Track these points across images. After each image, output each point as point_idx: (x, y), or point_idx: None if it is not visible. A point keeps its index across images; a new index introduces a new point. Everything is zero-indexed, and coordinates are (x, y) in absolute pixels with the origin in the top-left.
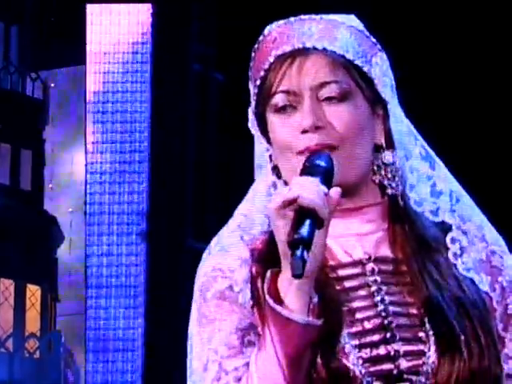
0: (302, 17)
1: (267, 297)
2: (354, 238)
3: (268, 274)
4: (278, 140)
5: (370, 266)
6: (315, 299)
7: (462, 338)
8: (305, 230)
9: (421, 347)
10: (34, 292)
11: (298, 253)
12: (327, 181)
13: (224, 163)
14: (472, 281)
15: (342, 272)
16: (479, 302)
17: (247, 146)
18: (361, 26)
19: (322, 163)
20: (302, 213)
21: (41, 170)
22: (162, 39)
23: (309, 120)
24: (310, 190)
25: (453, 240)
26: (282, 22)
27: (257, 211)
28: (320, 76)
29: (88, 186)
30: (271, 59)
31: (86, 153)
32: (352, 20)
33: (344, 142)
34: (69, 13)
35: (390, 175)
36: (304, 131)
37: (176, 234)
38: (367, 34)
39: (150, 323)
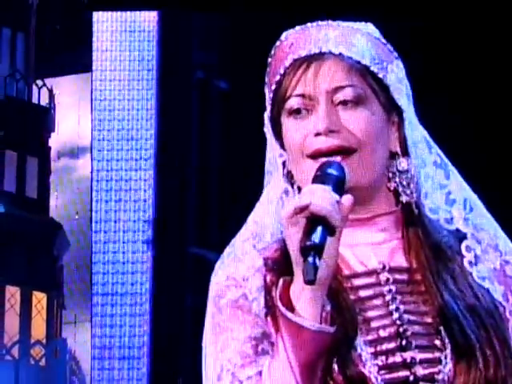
0: (320, 23)
1: (279, 304)
2: (369, 248)
3: (280, 281)
4: (291, 143)
5: (384, 275)
6: (328, 307)
7: (478, 346)
8: (316, 237)
9: (437, 355)
10: (39, 299)
11: (310, 259)
12: (339, 189)
13: (227, 171)
14: (487, 290)
15: (356, 281)
16: (494, 311)
17: (250, 154)
18: (377, 34)
19: (334, 172)
20: (314, 220)
21: (47, 177)
22: (166, 46)
23: (323, 123)
24: (321, 198)
25: (468, 248)
26: (298, 27)
27: (269, 219)
28: (336, 80)
29: (94, 194)
30: (287, 63)
31: (92, 160)
32: (369, 27)
33: (359, 146)
34: (75, 20)
35: (404, 182)
36: (317, 134)
37: (180, 241)
38: (384, 41)
39: (156, 331)
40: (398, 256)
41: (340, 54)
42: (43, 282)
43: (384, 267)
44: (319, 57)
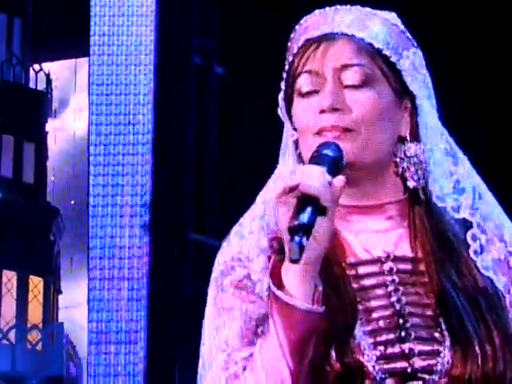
0: (338, 7)
1: (270, 282)
2: (375, 235)
3: (272, 259)
4: (299, 121)
5: (388, 265)
6: (320, 287)
7: (477, 340)
8: (305, 217)
9: (436, 347)
10: (36, 284)
11: (297, 238)
12: (334, 170)
13: (225, 155)
14: (491, 281)
15: (360, 269)
16: (497, 304)
17: (249, 139)
18: (396, 21)
19: (330, 153)
20: (304, 200)
21: (44, 162)
22: (164, 31)
23: (327, 101)
24: (312, 178)
25: (474, 237)
26: (317, 11)
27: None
28: (344, 58)
29: (91, 178)
30: (300, 44)
31: (88, 145)
32: (388, 14)
33: (360, 126)
34: (72, 4)
35: (412, 168)
36: (322, 111)
37: (178, 226)
38: (402, 28)
39: (153, 316)
40: (403, 245)
41: (352, 35)
42: (40, 266)
43: (388, 256)
44: (331, 36)
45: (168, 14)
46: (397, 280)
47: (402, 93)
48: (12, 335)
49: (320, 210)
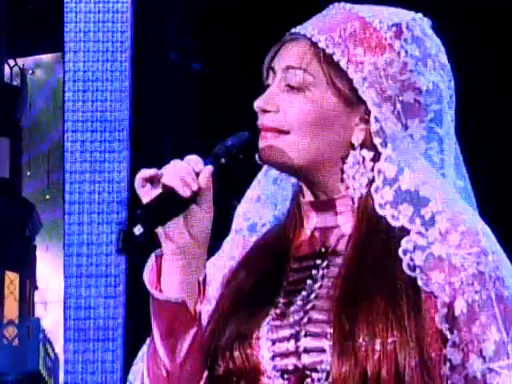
0: (335, 4)
1: (145, 270)
2: (323, 231)
3: (153, 254)
4: None
5: (322, 259)
6: (200, 277)
7: (361, 341)
8: (143, 207)
9: (324, 344)
10: (12, 279)
11: (125, 228)
12: (221, 159)
13: (203, 153)
14: (414, 282)
15: (299, 264)
16: (413, 314)
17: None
18: (385, 24)
19: (229, 142)
20: (166, 190)
21: (19, 157)
22: (140, 28)
23: (259, 102)
24: (174, 168)
25: (408, 241)
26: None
27: (263, 198)
28: (289, 60)
29: (68, 175)
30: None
31: (64, 141)
32: (379, 16)
33: (291, 128)
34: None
35: (356, 176)
36: (257, 110)
37: None
38: (384, 34)
39: (131, 313)
40: (344, 239)
41: (311, 37)
42: (16, 262)
43: (327, 250)
44: (294, 37)
45: (144, 9)
46: (321, 273)
47: (355, 99)
48: None
49: (180, 201)
